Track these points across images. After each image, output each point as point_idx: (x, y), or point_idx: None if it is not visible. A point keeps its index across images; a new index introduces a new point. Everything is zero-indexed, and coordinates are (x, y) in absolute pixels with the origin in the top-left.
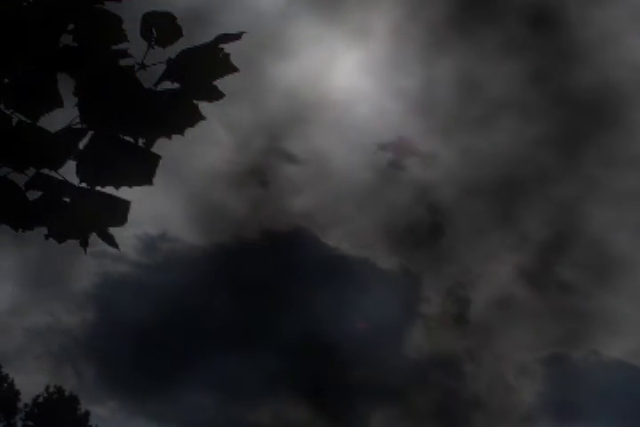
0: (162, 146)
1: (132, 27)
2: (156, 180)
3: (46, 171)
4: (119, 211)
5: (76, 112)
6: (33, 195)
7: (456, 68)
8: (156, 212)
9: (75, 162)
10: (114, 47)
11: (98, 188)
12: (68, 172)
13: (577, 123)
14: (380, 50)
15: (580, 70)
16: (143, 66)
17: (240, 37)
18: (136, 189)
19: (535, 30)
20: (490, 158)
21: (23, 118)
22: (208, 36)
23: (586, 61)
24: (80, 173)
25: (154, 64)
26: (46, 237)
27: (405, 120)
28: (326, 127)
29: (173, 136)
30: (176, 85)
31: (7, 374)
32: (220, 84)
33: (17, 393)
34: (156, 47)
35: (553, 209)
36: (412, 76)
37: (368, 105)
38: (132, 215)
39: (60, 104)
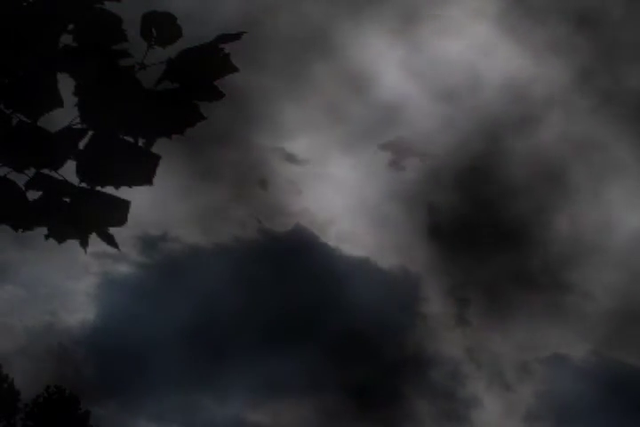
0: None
1: (132, 27)
2: (155, 180)
3: (46, 171)
4: (119, 211)
5: (75, 112)
6: (33, 195)
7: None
8: (156, 212)
9: (75, 162)
10: (114, 47)
11: (98, 188)
12: (68, 172)
13: None
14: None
15: None
16: (143, 66)
17: (240, 37)
18: (136, 189)
19: None
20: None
21: (23, 118)
22: (208, 36)
23: None
24: (80, 173)
25: (154, 64)
26: (46, 237)
27: (415, 121)
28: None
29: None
30: (176, 85)
31: (7, 374)
32: (220, 83)
33: (17, 393)
34: (155, 47)
35: (556, 210)
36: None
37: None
38: (131, 215)
39: (60, 104)
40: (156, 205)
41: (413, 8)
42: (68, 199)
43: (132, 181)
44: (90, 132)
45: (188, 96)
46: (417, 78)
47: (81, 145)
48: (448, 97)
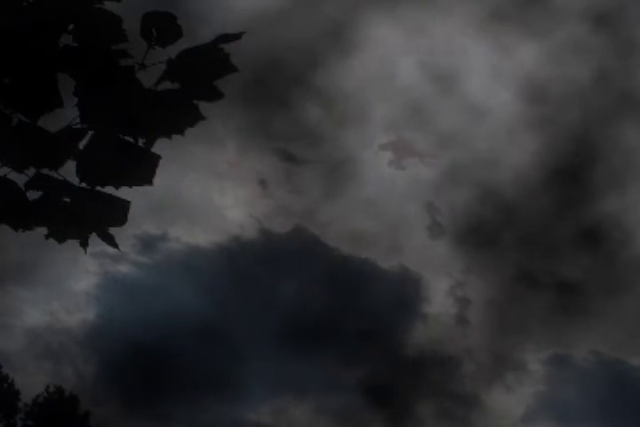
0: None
1: (132, 27)
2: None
3: (46, 171)
4: (119, 211)
5: (75, 112)
6: (33, 195)
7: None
8: (156, 212)
9: (75, 162)
10: (114, 47)
11: (98, 188)
12: (68, 172)
13: None
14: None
15: None
16: (143, 66)
17: (240, 37)
18: (136, 188)
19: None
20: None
21: (23, 118)
22: (208, 37)
23: None
24: (80, 173)
25: (154, 64)
26: (46, 237)
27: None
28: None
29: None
30: (176, 85)
31: (7, 374)
32: (220, 83)
33: (17, 393)
34: (156, 47)
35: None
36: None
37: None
38: (131, 215)
39: (60, 104)
40: (157, 205)
41: (430, 7)
42: (68, 199)
43: (132, 181)
44: (90, 132)
45: (188, 96)
46: (425, 77)
47: (81, 145)
48: (458, 96)
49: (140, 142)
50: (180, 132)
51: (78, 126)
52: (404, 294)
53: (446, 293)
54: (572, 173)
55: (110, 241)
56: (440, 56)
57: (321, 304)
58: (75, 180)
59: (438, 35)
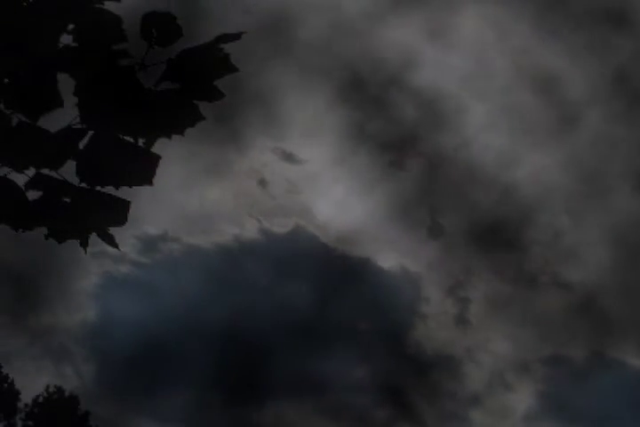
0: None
1: (132, 27)
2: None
3: (46, 171)
4: (119, 211)
5: (76, 112)
6: (33, 195)
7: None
8: (155, 212)
9: (75, 162)
10: (114, 47)
11: (98, 188)
12: (68, 172)
13: None
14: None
15: None
16: (143, 66)
17: (240, 37)
18: (136, 188)
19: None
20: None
21: (23, 118)
22: (208, 36)
23: None
24: (80, 173)
25: (154, 64)
26: (46, 237)
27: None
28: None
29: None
30: (176, 85)
31: (7, 374)
32: (220, 83)
33: (17, 393)
34: (156, 47)
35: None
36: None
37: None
38: (131, 215)
39: (60, 104)
40: (156, 205)
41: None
42: (68, 199)
43: (131, 181)
44: (90, 132)
45: (188, 96)
46: (438, 77)
47: (81, 145)
48: (471, 96)
49: (140, 142)
50: (180, 132)
51: (78, 126)
52: (403, 293)
53: (446, 293)
54: (578, 174)
55: (110, 241)
56: (534, 55)
57: (320, 304)
58: (75, 180)
59: (530, 35)
